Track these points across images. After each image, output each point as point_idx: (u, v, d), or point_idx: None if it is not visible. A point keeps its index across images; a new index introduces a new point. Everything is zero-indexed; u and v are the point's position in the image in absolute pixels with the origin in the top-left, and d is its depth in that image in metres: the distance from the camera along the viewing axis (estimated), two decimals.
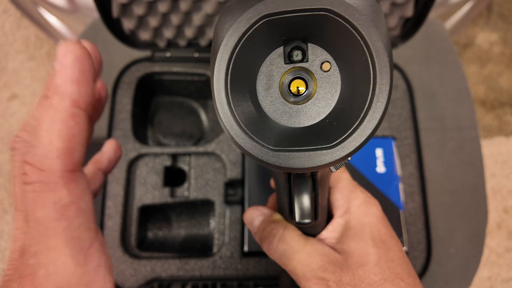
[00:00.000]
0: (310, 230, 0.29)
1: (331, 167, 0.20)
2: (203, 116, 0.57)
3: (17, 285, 0.17)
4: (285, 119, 0.19)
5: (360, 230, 0.27)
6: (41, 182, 0.16)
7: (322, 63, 0.18)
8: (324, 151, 0.17)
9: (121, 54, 0.52)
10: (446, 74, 0.55)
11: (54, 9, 0.70)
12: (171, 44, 0.51)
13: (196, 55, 0.51)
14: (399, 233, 0.45)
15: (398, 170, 0.48)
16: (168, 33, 0.49)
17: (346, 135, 0.17)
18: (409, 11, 0.45)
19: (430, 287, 0.46)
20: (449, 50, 0.57)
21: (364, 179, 0.46)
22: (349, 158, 0.18)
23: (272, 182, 0.35)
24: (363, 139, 0.16)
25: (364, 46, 0.16)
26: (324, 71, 0.18)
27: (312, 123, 0.18)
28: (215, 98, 0.17)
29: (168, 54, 0.52)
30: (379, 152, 0.48)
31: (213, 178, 0.49)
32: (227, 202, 0.48)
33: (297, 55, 0.18)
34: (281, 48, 0.18)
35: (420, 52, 0.56)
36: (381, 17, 0.17)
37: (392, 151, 0.48)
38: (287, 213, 0.27)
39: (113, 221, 0.46)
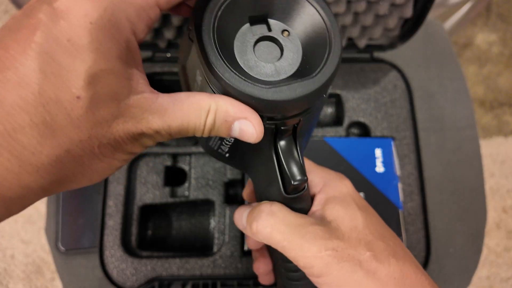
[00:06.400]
0: (298, 207, 0.28)
1: (317, 104, 0.24)
2: None
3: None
4: (264, 76, 0.22)
5: (344, 198, 0.28)
6: None
7: (282, 31, 0.23)
8: (309, 81, 0.21)
9: None
10: (445, 74, 0.56)
11: None
12: (171, 45, 0.52)
13: None
14: (398, 233, 0.45)
15: (397, 170, 0.48)
16: (169, 34, 0.49)
17: (320, 68, 0.21)
18: (408, 12, 0.45)
19: None
20: (448, 51, 0.57)
21: (363, 179, 0.47)
22: (326, 94, 0.23)
23: (246, 191, 0.35)
24: (334, 67, 0.22)
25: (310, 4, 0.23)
26: (285, 37, 0.23)
27: (290, 74, 0.22)
28: (208, 57, 0.20)
29: (168, 55, 0.52)
30: (378, 152, 0.48)
31: (213, 178, 0.49)
32: (227, 202, 0.48)
33: (262, 27, 0.23)
34: (248, 23, 0.23)
35: (419, 53, 0.56)
36: None
37: (391, 151, 0.48)
38: (275, 190, 0.26)
39: (114, 221, 0.46)
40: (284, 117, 0.23)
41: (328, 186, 0.29)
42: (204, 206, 0.51)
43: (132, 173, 0.49)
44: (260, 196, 0.29)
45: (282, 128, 0.24)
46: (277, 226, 0.25)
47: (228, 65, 0.20)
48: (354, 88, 0.52)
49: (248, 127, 0.21)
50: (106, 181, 0.48)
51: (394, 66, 0.54)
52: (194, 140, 0.53)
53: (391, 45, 0.51)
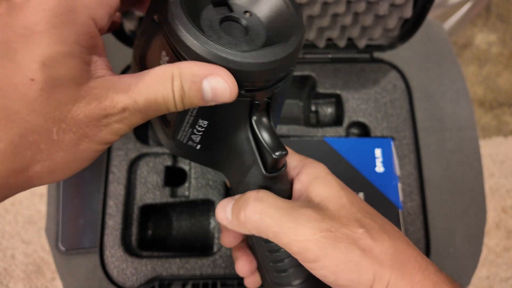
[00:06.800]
0: (279, 188, 0.28)
1: (287, 78, 0.25)
2: None
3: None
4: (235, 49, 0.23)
5: (325, 178, 0.28)
6: None
7: (244, 12, 0.25)
8: (281, 47, 0.22)
9: (122, 54, 0.52)
10: (445, 74, 0.56)
11: None
12: None
13: None
14: None
15: (397, 170, 0.48)
16: None
17: (288, 38, 0.23)
18: (408, 12, 0.46)
19: None
20: (447, 51, 0.57)
21: (363, 179, 0.47)
22: (294, 66, 0.25)
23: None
24: (300, 36, 0.23)
25: None
26: (248, 17, 0.25)
27: (259, 47, 0.24)
28: (182, 26, 0.21)
29: None
30: (378, 152, 0.48)
31: (213, 178, 0.49)
32: None
33: (224, 9, 0.25)
34: (211, 5, 0.24)
35: (419, 53, 0.57)
36: None
37: (391, 151, 0.48)
38: (254, 173, 0.26)
39: (114, 221, 0.46)
40: (258, 88, 0.23)
41: (307, 168, 0.29)
42: (204, 206, 0.51)
43: (132, 173, 0.49)
44: (237, 188, 0.28)
45: (256, 102, 0.24)
46: (267, 211, 0.24)
47: (203, 33, 0.21)
48: (354, 88, 0.52)
49: (219, 82, 0.20)
50: (106, 181, 0.48)
51: (394, 67, 0.54)
52: None
53: (391, 46, 0.51)
